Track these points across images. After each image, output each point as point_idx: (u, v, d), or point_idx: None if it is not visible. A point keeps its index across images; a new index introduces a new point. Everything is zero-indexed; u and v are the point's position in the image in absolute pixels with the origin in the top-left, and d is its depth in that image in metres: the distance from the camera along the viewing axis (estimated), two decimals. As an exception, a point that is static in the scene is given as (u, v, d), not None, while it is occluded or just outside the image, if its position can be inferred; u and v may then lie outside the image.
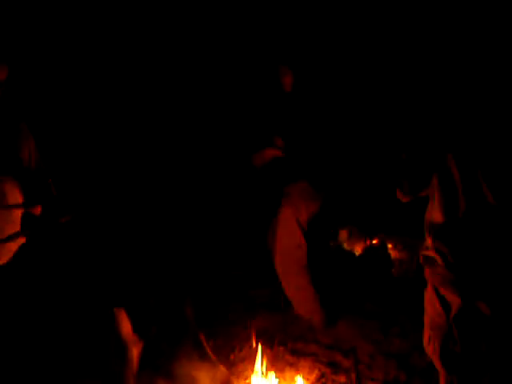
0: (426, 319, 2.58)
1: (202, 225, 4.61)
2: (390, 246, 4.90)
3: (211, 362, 3.43)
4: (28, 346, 3.13)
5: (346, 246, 5.02)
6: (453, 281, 2.44)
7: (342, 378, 3.48)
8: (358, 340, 3.87)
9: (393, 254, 4.79)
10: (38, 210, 3.04)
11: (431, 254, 2.51)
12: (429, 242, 2.53)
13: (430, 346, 2.56)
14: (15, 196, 2.96)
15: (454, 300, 2.44)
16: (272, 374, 3.31)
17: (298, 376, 3.34)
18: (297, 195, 4.01)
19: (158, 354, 3.48)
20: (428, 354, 2.59)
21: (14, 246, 3.00)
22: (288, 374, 3.50)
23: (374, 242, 5.00)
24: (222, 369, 3.38)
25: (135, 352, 3.30)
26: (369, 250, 4.83)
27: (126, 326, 3.26)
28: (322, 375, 3.54)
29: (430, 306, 2.55)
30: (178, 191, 4.62)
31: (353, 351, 3.60)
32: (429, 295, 2.56)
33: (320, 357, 3.70)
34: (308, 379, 3.46)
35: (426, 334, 2.58)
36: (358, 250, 4.86)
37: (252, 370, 3.36)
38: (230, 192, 4.85)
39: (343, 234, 5.22)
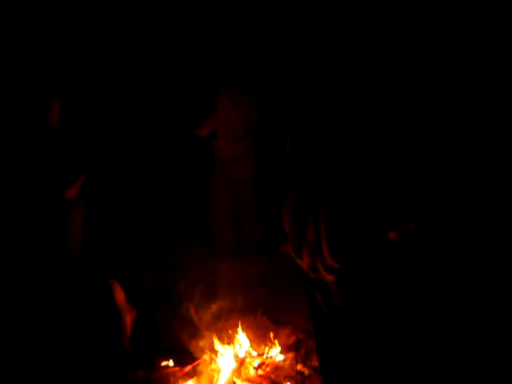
0: None
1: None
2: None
3: (197, 328, 3.88)
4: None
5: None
6: None
7: (317, 343, 3.88)
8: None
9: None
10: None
11: None
12: None
13: None
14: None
15: None
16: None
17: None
18: None
19: (153, 322, 3.97)
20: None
21: None
22: (267, 339, 3.91)
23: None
24: (207, 334, 3.82)
25: (129, 319, 3.76)
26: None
27: (120, 296, 3.73)
28: (299, 341, 3.94)
29: None
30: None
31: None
32: None
33: (298, 325, 4.09)
34: (285, 344, 3.87)
35: None
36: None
37: (234, 336, 3.82)
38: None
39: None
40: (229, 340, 3.81)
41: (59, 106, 4.10)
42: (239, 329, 3.88)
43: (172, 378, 3.54)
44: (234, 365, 3.64)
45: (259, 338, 3.90)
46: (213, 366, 3.64)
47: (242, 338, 3.83)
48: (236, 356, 3.70)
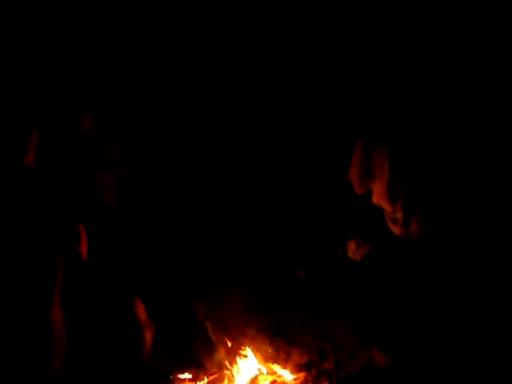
0: None
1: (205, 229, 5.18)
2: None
3: (213, 346, 4.10)
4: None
5: (350, 254, 5.55)
6: None
7: (327, 364, 4.05)
8: (347, 334, 4.40)
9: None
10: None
11: None
12: None
13: None
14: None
15: None
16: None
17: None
18: None
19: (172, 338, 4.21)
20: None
21: None
22: (279, 359, 4.09)
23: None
24: (222, 351, 4.04)
25: (149, 334, 4.01)
26: (368, 257, 5.32)
27: (141, 312, 3.99)
28: (311, 362, 4.11)
29: None
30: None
31: (331, 341, 4.15)
32: None
33: (311, 346, 4.26)
34: (297, 363, 4.05)
35: None
36: (358, 258, 5.37)
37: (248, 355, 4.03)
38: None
39: (351, 245, 5.76)
40: (243, 358, 4.01)
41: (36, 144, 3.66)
42: (253, 348, 4.08)
43: (188, 392, 3.78)
44: (246, 382, 3.85)
45: (272, 357, 4.09)
46: (226, 382, 3.85)
47: (255, 357, 4.03)
48: (249, 374, 3.90)
